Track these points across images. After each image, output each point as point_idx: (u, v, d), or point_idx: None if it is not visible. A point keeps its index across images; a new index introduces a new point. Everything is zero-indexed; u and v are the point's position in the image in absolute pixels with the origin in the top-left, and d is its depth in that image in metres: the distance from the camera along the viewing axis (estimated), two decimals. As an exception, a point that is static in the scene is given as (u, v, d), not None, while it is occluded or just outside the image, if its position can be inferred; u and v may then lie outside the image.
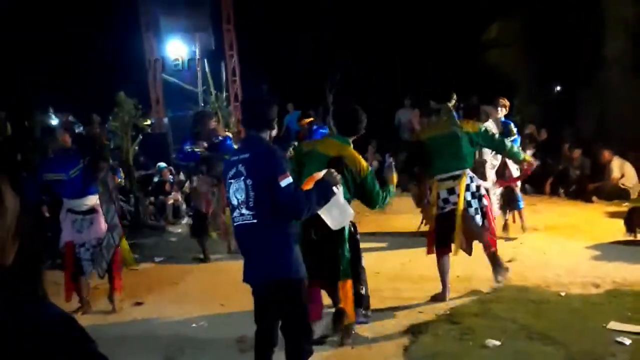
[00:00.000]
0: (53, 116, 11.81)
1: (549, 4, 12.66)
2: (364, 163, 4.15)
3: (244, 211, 3.28)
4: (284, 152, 3.40)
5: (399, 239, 7.62)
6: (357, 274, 4.27)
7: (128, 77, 12.91)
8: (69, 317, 0.83)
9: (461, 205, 5.12)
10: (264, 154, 3.28)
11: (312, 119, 9.20)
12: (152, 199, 10.33)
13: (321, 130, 8.91)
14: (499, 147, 5.47)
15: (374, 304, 5.16)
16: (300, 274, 3.34)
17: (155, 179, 10.81)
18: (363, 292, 4.32)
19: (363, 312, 4.32)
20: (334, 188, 3.37)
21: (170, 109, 14.00)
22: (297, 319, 3.38)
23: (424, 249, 5.67)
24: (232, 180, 3.32)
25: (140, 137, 9.91)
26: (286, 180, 3.15)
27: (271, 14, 15.59)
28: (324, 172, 3.47)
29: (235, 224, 3.38)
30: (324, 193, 3.32)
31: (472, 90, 14.40)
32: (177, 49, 13.26)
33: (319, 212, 3.56)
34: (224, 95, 12.01)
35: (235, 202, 3.32)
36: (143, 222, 9.35)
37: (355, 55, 15.57)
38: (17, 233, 0.79)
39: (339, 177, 3.42)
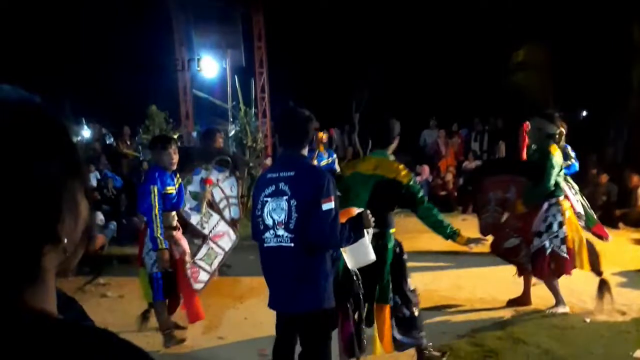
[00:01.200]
0: (86, 127, 12.08)
1: (577, 29, 12.65)
2: (404, 171, 4.03)
3: (280, 232, 3.11)
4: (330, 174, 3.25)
5: (422, 258, 7.62)
6: (404, 296, 4.13)
7: (159, 91, 13.18)
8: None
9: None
10: (311, 173, 3.15)
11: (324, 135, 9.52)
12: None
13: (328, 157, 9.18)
14: None
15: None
16: (332, 303, 3.24)
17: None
18: (416, 314, 4.16)
19: (418, 334, 4.17)
20: (365, 231, 3.28)
21: (200, 124, 14.25)
22: (320, 349, 3.26)
23: (446, 271, 5.65)
24: (269, 199, 3.15)
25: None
26: (328, 205, 3.01)
27: (301, 32, 15.81)
28: (359, 209, 3.36)
29: (265, 245, 3.20)
30: (355, 231, 3.20)
31: (497, 112, 14.43)
32: (208, 65, 13.51)
33: (342, 249, 3.48)
34: (253, 111, 12.20)
35: (270, 222, 3.14)
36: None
37: (382, 75, 15.69)
38: (85, 239, 0.80)
39: (372, 220, 3.28)
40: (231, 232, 5.57)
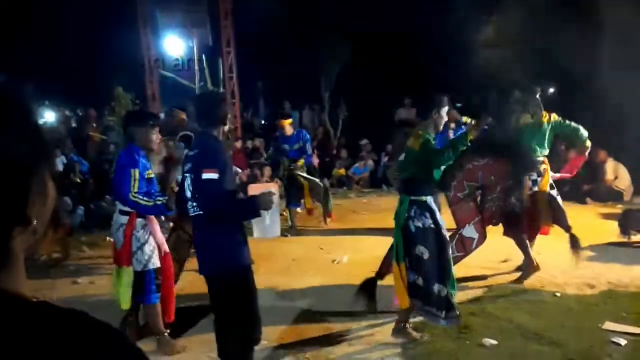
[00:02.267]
0: (49, 110, 11.75)
1: (543, 4, 12.72)
2: (417, 141, 4.17)
3: (194, 203, 3.42)
4: (223, 149, 3.53)
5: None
6: (412, 262, 4.27)
7: (125, 73, 12.88)
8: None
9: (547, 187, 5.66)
10: (204, 148, 3.42)
11: (290, 120, 8.87)
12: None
13: (304, 133, 8.65)
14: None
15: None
16: (230, 269, 3.41)
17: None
18: (443, 294, 4.20)
19: (442, 314, 4.22)
20: (262, 211, 3.44)
21: (167, 105, 13.98)
22: (221, 312, 3.49)
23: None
24: (187, 175, 3.47)
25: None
26: (208, 175, 3.25)
27: (269, 9, 15.57)
28: (266, 188, 3.57)
29: (190, 214, 3.51)
30: (248, 210, 3.46)
31: (470, 90, 14.48)
32: (174, 44, 13.22)
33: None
34: (221, 91, 12.02)
35: (188, 194, 3.44)
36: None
37: (353, 54, 15.58)
38: (52, 222, 0.80)
39: (273, 202, 3.45)
40: None
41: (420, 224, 4.22)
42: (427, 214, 4.21)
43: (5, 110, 0.74)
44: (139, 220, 4.18)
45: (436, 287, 4.20)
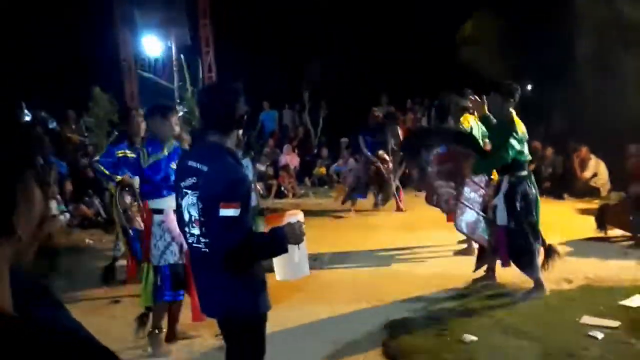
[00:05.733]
0: (26, 111, 11.59)
1: (522, 1, 12.85)
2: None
3: (194, 231, 2.67)
4: (242, 172, 2.69)
5: (377, 236, 7.70)
6: (516, 224, 5.03)
7: (103, 73, 12.74)
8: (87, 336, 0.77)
9: None
10: (219, 170, 2.58)
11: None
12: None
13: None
14: None
15: (351, 299, 5.25)
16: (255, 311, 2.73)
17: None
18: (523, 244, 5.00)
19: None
20: (291, 246, 2.63)
21: (145, 105, 13.85)
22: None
23: (401, 246, 5.67)
24: (189, 192, 2.66)
25: (116, 133, 9.76)
26: (228, 212, 2.47)
27: (248, 8, 15.52)
28: (292, 217, 2.68)
29: (187, 242, 2.79)
30: (274, 248, 2.62)
31: (448, 87, 14.56)
32: (152, 44, 13.09)
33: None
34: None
35: (187, 217, 2.70)
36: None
37: (331, 52, 15.60)
38: (40, 228, 0.78)
39: (303, 236, 2.64)
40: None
41: (526, 192, 5.14)
42: None
43: None
44: (156, 217, 4.20)
45: None
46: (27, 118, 11.30)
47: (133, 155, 5.25)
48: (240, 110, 2.68)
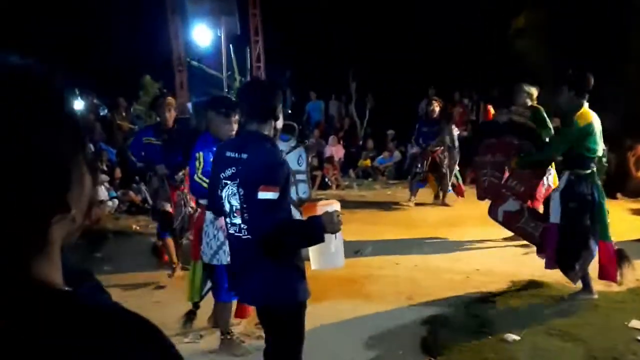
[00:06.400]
0: (79, 98, 11.92)
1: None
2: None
3: (236, 221, 2.78)
4: (281, 157, 2.78)
5: (419, 230, 7.62)
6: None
7: (153, 61, 12.97)
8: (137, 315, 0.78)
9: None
10: (258, 156, 2.70)
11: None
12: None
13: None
14: None
15: (391, 294, 5.21)
16: (293, 299, 2.78)
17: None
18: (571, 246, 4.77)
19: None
20: (328, 235, 2.67)
21: (194, 94, 14.05)
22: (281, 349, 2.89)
23: (442, 241, 5.58)
24: (229, 182, 2.80)
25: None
26: (266, 194, 2.56)
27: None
28: (328, 206, 2.77)
29: (228, 232, 2.92)
30: (311, 235, 2.66)
31: (498, 80, 14.25)
32: (202, 33, 13.25)
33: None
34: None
35: (227, 207, 2.83)
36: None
37: (379, 44, 15.47)
38: (89, 210, 0.82)
39: (340, 225, 2.66)
40: (298, 216, 4.53)
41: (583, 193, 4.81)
42: None
43: (44, 96, 0.75)
44: (208, 215, 4.11)
45: None
46: (80, 105, 11.60)
47: (158, 142, 5.61)
48: (276, 101, 2.80)
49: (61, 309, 0.71)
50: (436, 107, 9.40)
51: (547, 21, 13.14)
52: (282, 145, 4.32)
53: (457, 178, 9.45)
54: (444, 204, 9.39)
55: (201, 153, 4.14)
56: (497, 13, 14.00)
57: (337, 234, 2.73)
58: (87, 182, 0.80)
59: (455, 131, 9.67)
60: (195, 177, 4.13)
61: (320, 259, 2.92)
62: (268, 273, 2.71)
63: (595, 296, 4.91)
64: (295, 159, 4.47)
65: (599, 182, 4.85)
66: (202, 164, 4.10)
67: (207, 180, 3.59)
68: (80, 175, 0.78)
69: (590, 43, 11.92)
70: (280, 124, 2.90)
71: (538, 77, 8.15)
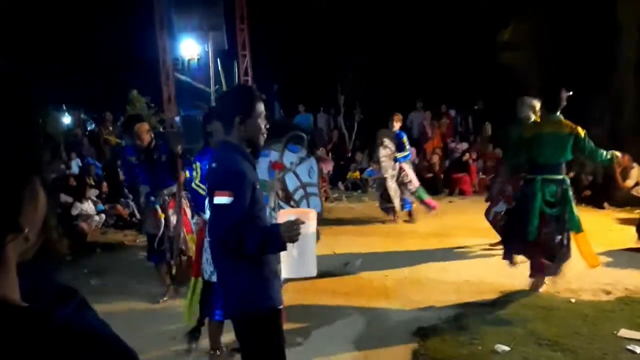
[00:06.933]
0: (66, 113, 11.87)
1: (562, 7, 12.57)
2: (579, 128, 5.31)
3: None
4: (246, 163, 2.72)
5: (408, 242, 7.62)
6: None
7: (141, 76, 12.96)
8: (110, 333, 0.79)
9: None
10: (221, 163, 2.73)
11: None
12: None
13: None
14: None
15: (380, 305, 5.19)
16: (256, 309, 2.71)
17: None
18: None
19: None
20: (289, 244, 2.61)
21: (182, 108, 14.05)
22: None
23: (432, 252, 5.58)
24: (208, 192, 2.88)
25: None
26: (220, 199, 2.58)
27: (284, 14, 15.61)
28: (298, 214, 2.69)
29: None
30: (270, 243, 2.61)
31: (486, 92, 14.35)
32: (190, 47, 13.28)
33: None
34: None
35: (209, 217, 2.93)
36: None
37: (367, 57, 15.55)
38: (43, 229, 0.81)
39: (300, 233, 2.56)
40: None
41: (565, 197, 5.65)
42: None
43: (7, 115, 0.73)
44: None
45: None
46: (68, 120, 11.55)
47: (136, 162, 5.70)
48: (236, 107, 2.73)
49: (16, 324, 0.71)
50: (395, 123, 9.04)
51: (534, 34, 13.28)
52: (292, 157, 4.30)
53: (418, 197, 9.04)
54: (409, 221, 9.12)
55: (198, 163, 4.14)
56: (485, 26, 14.14)
57: (310, 244, 2.70)
58: (42, 200, 0.79)
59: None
60: (193, 185, 4.16)
61: (286, 268, 2.82)
62: (234, 278, 2.70)
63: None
64: (306, 171, 4.31)
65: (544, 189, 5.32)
66: (199, 173, 4.09)
67: (205, 187, 3.60)
68: (34, 195, 0.77)
69: (577, 56, 12.07)
70: (262, 139, 2.80)
71: (525, 89, 8.23)
